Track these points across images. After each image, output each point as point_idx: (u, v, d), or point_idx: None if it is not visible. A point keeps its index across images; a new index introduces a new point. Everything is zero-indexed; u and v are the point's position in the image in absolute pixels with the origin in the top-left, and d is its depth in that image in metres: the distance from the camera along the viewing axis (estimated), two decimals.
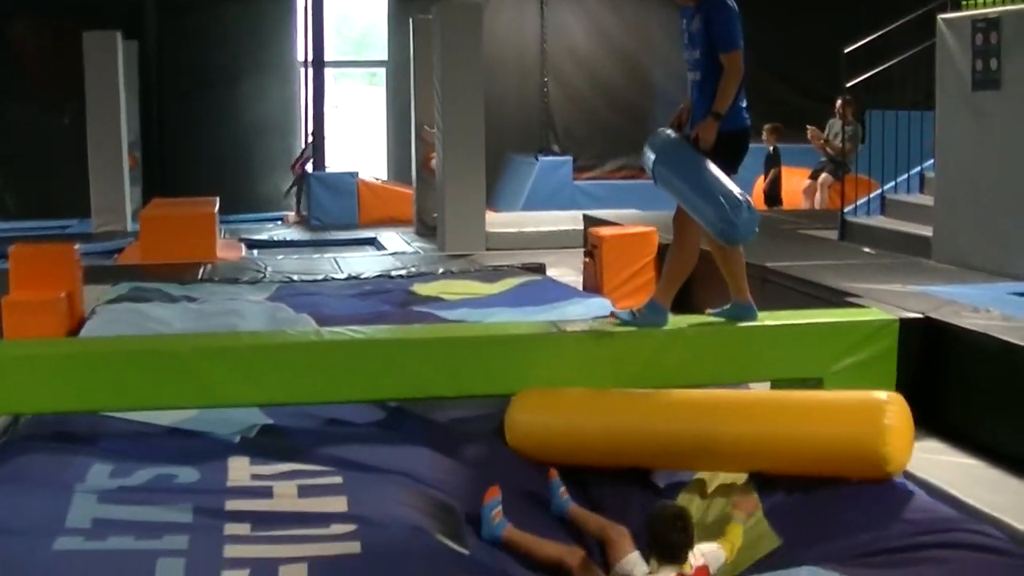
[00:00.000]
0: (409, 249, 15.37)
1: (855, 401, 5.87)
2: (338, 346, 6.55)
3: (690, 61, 6.66)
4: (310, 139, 20.10)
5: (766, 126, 16.86)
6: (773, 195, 16.89)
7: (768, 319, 6.87)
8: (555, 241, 15.17)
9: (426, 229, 16.40)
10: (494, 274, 11.48)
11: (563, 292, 10.29)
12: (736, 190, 6.22)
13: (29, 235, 14.97)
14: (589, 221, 12.95)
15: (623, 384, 6.37)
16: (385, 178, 21.06)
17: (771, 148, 16.96)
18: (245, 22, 21.28)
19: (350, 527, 5.17)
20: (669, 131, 6.62)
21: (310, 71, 20.45)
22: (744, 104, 6.60)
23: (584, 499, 6.02)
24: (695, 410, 6.08)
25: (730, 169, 6.43)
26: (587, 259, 11.57)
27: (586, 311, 8.79)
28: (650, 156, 6.52)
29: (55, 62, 19.55)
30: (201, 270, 12.51)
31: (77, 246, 10.43)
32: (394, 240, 16.29)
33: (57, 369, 6.17)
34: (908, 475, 5.84)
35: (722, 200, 6.14)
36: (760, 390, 6.91)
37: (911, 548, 4.98)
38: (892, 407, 5.62)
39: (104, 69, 17.33)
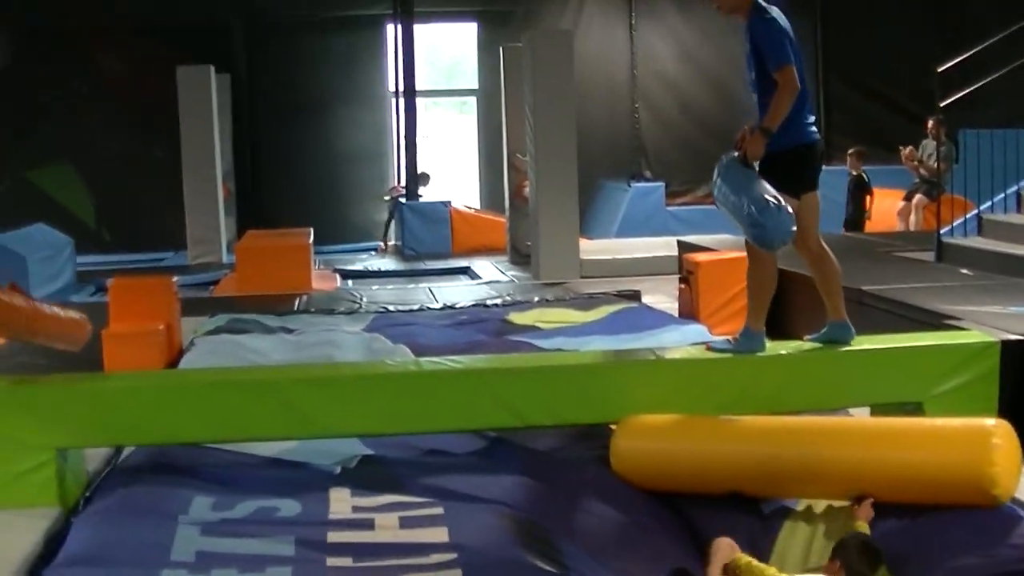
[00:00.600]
0: (503, 277, 15.36)
1: (962, 427, 5.76)
2: (436, 376, 6.50)
3: (749, 82, 6.55)
4: (407, 170, 20.25)
5: (849, 151, 16.68)
6: (856, 221, 16.54)
7: (866, 343, 6.71)
8: (649, 268, 15.03)
9: (520, 257, 16.39)
10: (589, 302, 11.41)
11: (659, 319, 10.22)
12: (768, 192, 6.08)
13: (126, 268, 15.17)
14: (683, 247, 12.81)
15: (722, 411, 6.29)
16: (477, 207, 21.12)
17: (854, 173, 16.60)
18: (336, 53, 21.49)
19: (451, 556, 5.16)
20: (730, 153, 6.51)
21: (401, 100, 20.59)
22: (810, 119, 6.48)
23: (688, 526, 5.97)
24: (799, 436, 5.99)
25: (801, 185, 6.33)
26: (682, 285, 11.47)
27: (683, 338, 8.72)
28: (713, 179, 6.45)
29: (148, 95, 19.85)
30: (297, 301, 12.54)
31: (175, 278, 10.53)
32: (488, 269, 16.29)
33: (158, 401, 6.19)
34: (1016, 501, 5.71)
35: (748, 202, 6.03)
36: (862, 416, 6.80)
37: (1019, 574, 4.91)
38: (1000, 433, 5.52)
39: (198, 102, 17.58)
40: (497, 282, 14.87)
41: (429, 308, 11.93)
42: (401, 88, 20.45)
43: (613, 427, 6.34)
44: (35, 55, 20.18)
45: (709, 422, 6.23)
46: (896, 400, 6.59)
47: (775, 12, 6.28)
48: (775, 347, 6.71)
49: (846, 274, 7.06)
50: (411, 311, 11.67)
